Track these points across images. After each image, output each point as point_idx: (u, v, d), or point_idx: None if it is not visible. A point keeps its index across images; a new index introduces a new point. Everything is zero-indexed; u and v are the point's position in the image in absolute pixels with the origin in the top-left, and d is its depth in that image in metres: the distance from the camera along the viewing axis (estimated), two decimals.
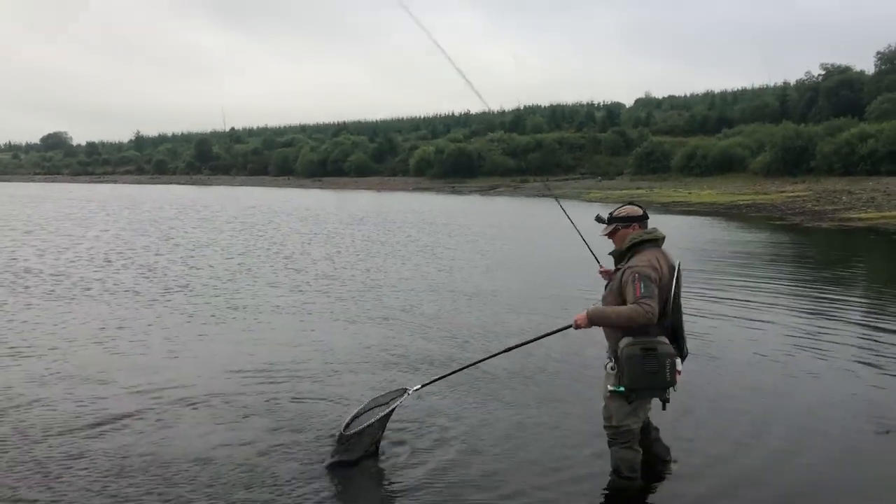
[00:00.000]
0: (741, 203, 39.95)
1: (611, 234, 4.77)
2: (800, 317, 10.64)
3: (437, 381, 5.70)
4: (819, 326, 10.00)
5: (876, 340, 9.17)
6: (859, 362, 8.16)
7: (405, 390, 5.35)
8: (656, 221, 4.92)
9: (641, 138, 76.90)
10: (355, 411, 5.31)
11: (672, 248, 4.91)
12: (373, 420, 5.10)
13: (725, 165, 61.39)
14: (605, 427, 4.71)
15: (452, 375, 5.86)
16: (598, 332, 4.80)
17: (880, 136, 49.02)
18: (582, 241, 5.45)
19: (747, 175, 57.90)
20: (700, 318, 10.03)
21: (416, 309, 10.97)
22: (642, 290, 4.36)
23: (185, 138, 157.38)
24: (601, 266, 5.13)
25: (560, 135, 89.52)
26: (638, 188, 57.47)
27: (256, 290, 12.57)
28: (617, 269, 4.68)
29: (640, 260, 4.51)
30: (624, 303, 4.45)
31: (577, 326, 4.59)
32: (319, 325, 9.91)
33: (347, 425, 5.16)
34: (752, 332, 9.63)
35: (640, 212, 4.76)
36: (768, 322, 10.14)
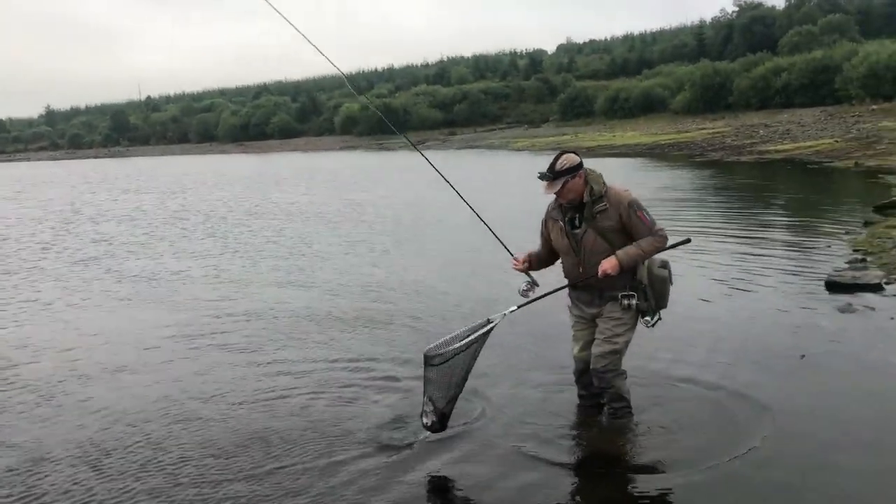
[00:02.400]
0: (664, 143, 40.54)
1: (559, 189, 4.51)
2: (726, 247, 10.88)
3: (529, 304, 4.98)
4: (745, 254, 10.27)
5: (796, 264, 9.40)
6: (782, 286, 8.34)
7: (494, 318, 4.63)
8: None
9: (565, 84, 77.07)
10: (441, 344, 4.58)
11: None
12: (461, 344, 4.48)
13: (648, 106, 62.17)
14: (609, 365, 4.60)
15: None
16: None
17: (793, 70, 50.27)
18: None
19: (669, 114, 58.78)
20: None
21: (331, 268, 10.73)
22: (649, 218, 4.47)
23: (100, 110, 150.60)
24: (515, 258, 4.83)
25: (485, 85, 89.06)
26: (564, 134, 57.79)
27: (182, 260, 12.07)
28: (574, 219, 4.57)
29: (620, 192, 4.51)
30: (626, 240, 4.46)
31: (607, 275, 4.38)
32: (236, 291, 9.54)
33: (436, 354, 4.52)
34: (680, 264, 9.69)
35: (579, 158, 4.58)
36: (696, 254, 10.24)
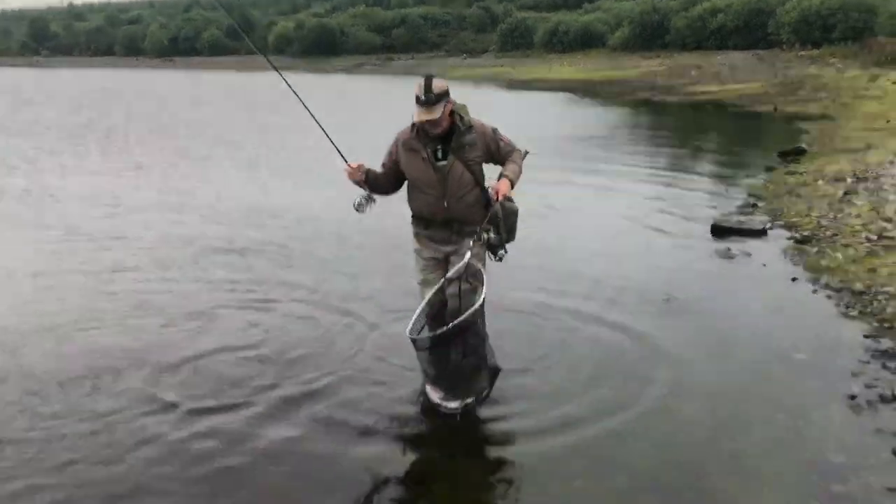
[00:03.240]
0: (596, 79, 40.22)
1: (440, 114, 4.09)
2: (629, 186, 10.88)
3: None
4: (645, 194, 10.21)
5: (690, 207, 9.36)
6: (670, 228, 8.31)
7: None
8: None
9: (506, 14, 75.60)
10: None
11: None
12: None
13: (586, 42, 61.42)
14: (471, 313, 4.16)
15: None
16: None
17: (729, 11, 50.22)
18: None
19: (607, 51, 58.26)
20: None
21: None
22: (507, 137, 4.34)
23: (18, 16, 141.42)
24: (350, 165, 4.28)
25: (425, 10, 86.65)
26: (502, 66, 56.94)
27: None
28: (437, 151, 4.18)
29: (481, 122, 4.30)
30: (482, 172, 4.30)
31: (506, 198, 4.21)
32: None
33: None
34: (580, 199, 9.59)
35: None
36: (599, 192, 10.13)
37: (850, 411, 4.11)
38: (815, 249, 7.08)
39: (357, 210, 4.31)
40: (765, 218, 8.40)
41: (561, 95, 31.93)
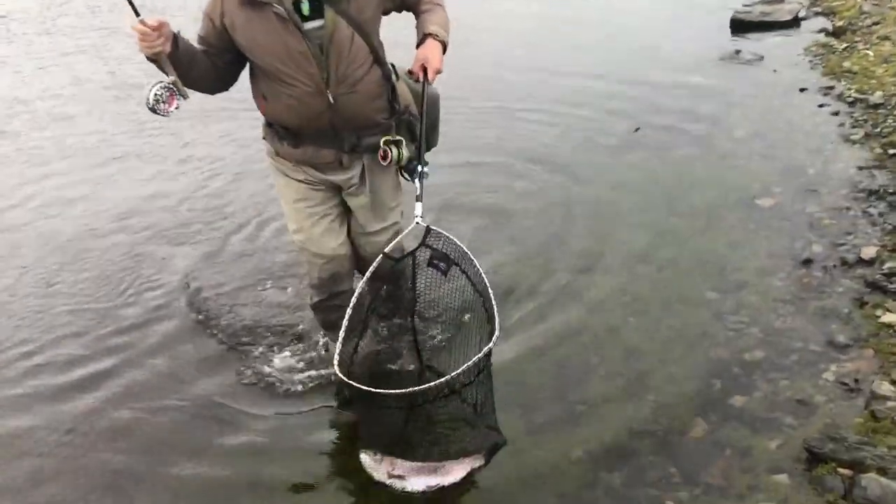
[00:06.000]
0: None
1: None
2: None
3: None
4: None
5: None
6: (686, 28, 7.15)
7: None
8: None
9: None
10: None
11: None
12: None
13: None
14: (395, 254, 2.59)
15: None
16: None
17: None
18: None
19: None
20: None
21: None
22: None
23: None
24: (144, 22, 2.20)
25: None
26: None
27: None
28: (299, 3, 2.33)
29: None
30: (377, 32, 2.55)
31: (438, 71, 2.55)
32: None
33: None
34: None
35: None
36: None
37: (797, 282, 3.30)
38: (844, 46, 5.83)
39: (153, 109, 2.33)
40: (798, 5, 7.00)
41: None
